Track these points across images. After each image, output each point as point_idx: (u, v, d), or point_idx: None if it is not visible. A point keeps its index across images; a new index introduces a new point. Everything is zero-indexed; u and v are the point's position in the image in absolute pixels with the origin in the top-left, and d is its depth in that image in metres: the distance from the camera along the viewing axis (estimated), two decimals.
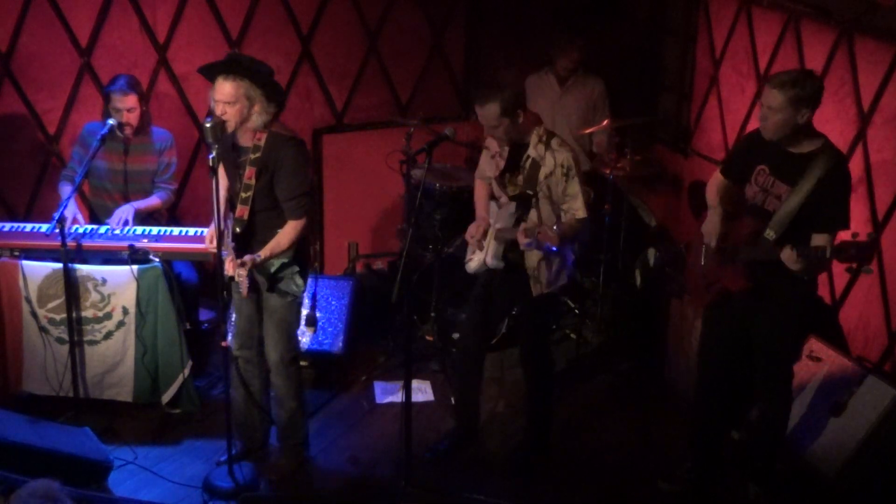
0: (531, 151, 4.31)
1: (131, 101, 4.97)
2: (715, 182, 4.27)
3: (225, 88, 4.03)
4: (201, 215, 5.92)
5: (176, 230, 4.99)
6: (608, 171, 5.73)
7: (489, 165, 4.55)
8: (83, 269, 4.72)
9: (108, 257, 4.79)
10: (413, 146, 5.19)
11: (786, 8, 5.17)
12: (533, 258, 4.39)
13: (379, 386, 5.43)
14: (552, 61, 6.18)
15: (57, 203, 4.73)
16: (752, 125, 4.33)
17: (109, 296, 4.76)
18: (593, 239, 5.73)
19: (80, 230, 4.85)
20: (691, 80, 6.31)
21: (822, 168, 3.80)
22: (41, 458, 4.00)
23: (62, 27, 5.49)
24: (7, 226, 4.95)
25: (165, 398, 4.92)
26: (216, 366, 5.26)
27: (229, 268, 4.13)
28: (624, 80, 6.55)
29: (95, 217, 5.20)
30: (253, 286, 4.26)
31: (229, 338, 4.50)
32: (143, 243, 4.79)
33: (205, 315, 5.54)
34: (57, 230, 4.45)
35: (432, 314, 5.76)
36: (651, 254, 5.81)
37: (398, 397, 5.14)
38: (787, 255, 3.73)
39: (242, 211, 4.20)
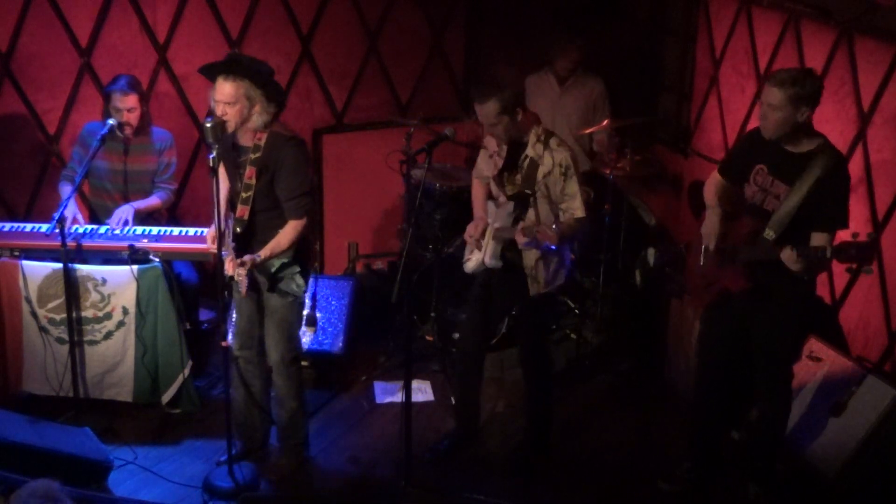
0: (529, 151, 4.31)
1: (132, 100, 4.97)
2: (713, 182, 4.27)
3: (225, 89, 4.03)
4: (201, 215, 5.92)
5: (176, 230, 4.99)
6: (608, 171, 5.73)
7: (487, 165, 4.55)
8: (83, 269, 4.72)
9: (108, 257, 4.79)
10: (413, 146, 5.19)
11: (786, 8, 5.17)
12: (530, 257, 4.39)
13: (379, 386, 5.43)
14: (552, 61, 6.19)
15: (57, 203, 4.73)
16: (752, 125, 4.33)
17: (109, 296, 4.76)
18: (593, 239, 5.73)
19: (80, 230, 4.85)
20: (691, 80, 6.31)
21: (822, 167, 3.80)
22: (41, 458, 4.00)
23: (62, 27, 5.49)
24: (7, 226, 4.95)
25: (165, 398, 4.92)
26: (216, 366, 5.26)
27: (229, 267, 4.13)
28: (624, 80, 6.55)
29: (95, 217, 5.19)
30: (254, 286, 4.27)
31: (230, 338, 4.50)
32: (143, 243, 4.79)
33: (205, 315, 5.53)
34: (57, 230, 4.45)
35: (432, 314, 5.76)
36: (651, 253, 5.80)
37: (398, 397, 5.14)
38: (788, 256, 3.73)
39: (243, 211, 4.20)
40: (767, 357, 4.17)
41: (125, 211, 4.99)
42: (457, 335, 5.38)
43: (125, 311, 4.78)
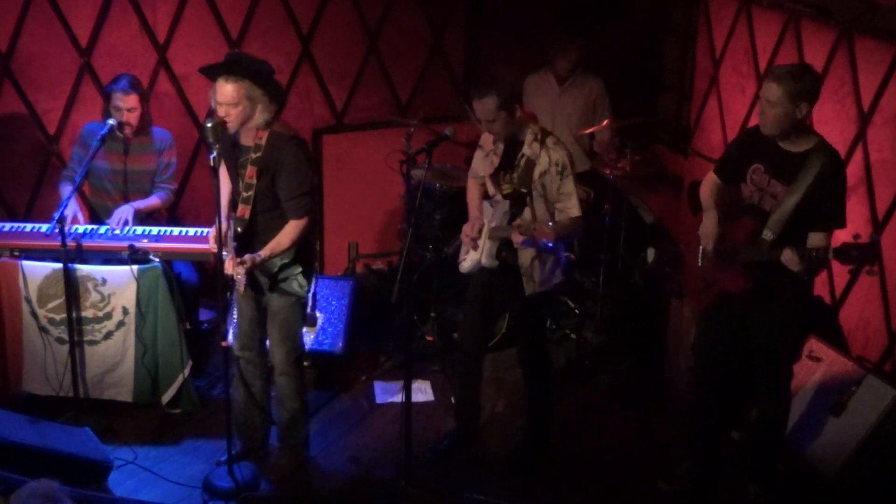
0: (526, 150, 4.31)
1: (132, 100, 4.96)
2: (709, 183, 4.27)
3: (227, 90, 4.02)
4: (201, 215, 5.93)
5: (176, 230, 4.99)
6: (608, 171, 5.73)
7: (483, 164, 4.55)
8: (83, 269, 4.72)
9: (108, 257, 4.79)
10: (413, 146, 5.19)
11: (786, 8, 5.17)
12: (526, 257, 4.38)
13: (379, 386, 5.43)
14: (551, 61, 6.19)
15: (57, 203, 4.73)
16: (752, 125, 4.33)
17: (109, 296, 4.76)
18: (593, 239, 5.73)
19: (80, 230, 4.85)
20: (691, 80, 6.31)
21: (819, 166, 3.80)
22: (41, 458, 4.00)
23: (62, 27, 5.49)
24: (7, 226, 4.95)
25: (165, 398, 4.92)
26: (216, 366, 5.26)
27: (229, 266, 4.13)
28: (624, 80, 6.55)
29: (96, 217, 5.19)
30: (255, 286, 4.27)
31: (230, 338, 4.50)
32: (143, 243, 4.79)
33: (205, 315, 5.53)
34: (57, 230, 4.45)
35: (432, 314, 5.76)
36: (650, 253, 5.81)
37: (398, 397, 5.14)
38: (789, 257, 3.74)
39: (244, 210, 4.20)
40: (767, 357, 4.17)
41: (125, 211, 4.99)
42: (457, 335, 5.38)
43: (125, 311, 4.78)
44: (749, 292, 4.06)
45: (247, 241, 4.25)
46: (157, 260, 4.76)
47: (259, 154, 4.14)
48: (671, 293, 5.28)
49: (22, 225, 4.97)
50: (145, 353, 4.83)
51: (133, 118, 4.99)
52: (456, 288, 5.62)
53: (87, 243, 4.74)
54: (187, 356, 4.87)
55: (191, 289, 5.14)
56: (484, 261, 4.46)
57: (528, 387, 4.74)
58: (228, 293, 4.53)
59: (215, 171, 4.00)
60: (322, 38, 6.27)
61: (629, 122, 6.01)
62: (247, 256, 4.10)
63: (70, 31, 5.52)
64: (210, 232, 4.68)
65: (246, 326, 4.49)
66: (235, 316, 4.56)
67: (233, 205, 4.31)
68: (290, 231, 4.20)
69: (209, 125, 3.97)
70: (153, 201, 5.15)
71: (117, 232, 4.89)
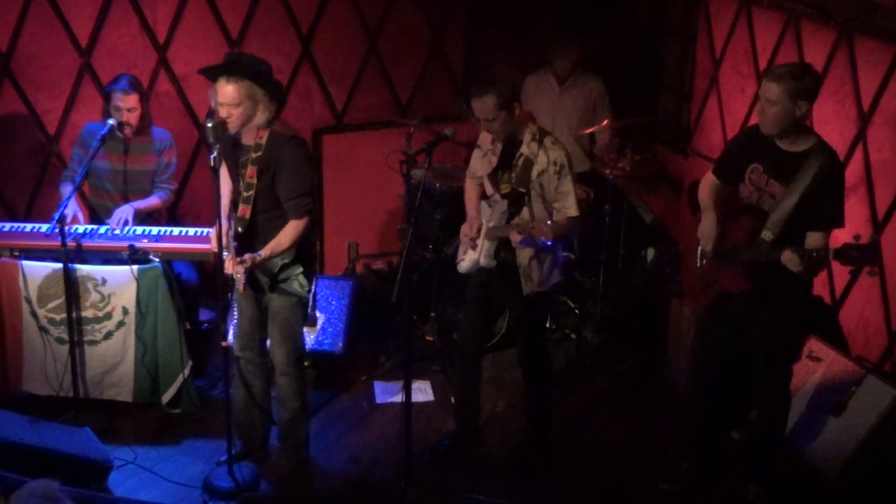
0: (524, 149, 4.31)
1: (132, 100, 4.96)
2: (707, 183, 4.27)
3: (227, 91, 4.02)
4: (201, 215, 5.93)
5: (176, 230, 4.98)
6: (608, 171, 5.73)
7: (480, 164, 4.55)
8: (83, 269, 4.71)
9: (108, 257, 4.79)
10: (413, 146, 5.18)
11: (786, 8, 5.17)
12: (524, 256, 4.38)
13: (379, 386, 5.43)
14: (551, 61, 6.19)
15: (57, 203, 4.73)
16: (752, 124, 4.33)
17: (109, 296, 4.76)
18: (593, 239, 5.73)
19: (80, 230, 4.85)
20: (691, 80, 6.31)
21: (817, 166, 3.80)
22: (41, 458, 4.00)
23: (62, 27, 5.49)
24: (7, 226, 4.95)
25: (165, 398, 4.92)
26: (216, 366, 5.25)
27: (229, 266, 4.13)
28: (624, 80, 6.55)
29: (96, 217, 5.19)
30: (256, 286, 4.27)
31: (230, 338, 4.50)
32: (143, 243, 4.79)
33: (205, 315, 5.53)
34: (57, 230, 4.45)
35: (432, 314, 5.76)
36: (650, 253, 5.82)
37: (398, 397, 5.14)
38: (789, 258, 3.74)
39: (244, 210, 4.20)
40: (767, 357, 4.17)
41: (125, 211, 4.99)
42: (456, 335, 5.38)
43: (125, 311, 4.78)
44: (749, 292, 4.06)
45: (247, 241, 4.25)
46: (157, 260, 4.76)
47: (259, 154, 4.14)
48: (671, 293, 5.28)
49: (22, 225, 4.97)
50: (145, 353, 4.83)
51: (133, 118, 4.99)
52: (456, 288, 5.62)
53: (87, 243, 4.74)
54: (187, 356, 4.87)
55: (191, 289, 5.14)
56: (482, 261, 4.46)
57: (527, 387, 4.74)
58: (229, 293, 4.53)
59: (216, 171, 4.00)
60: (322, 38, 6.27)
61: (629, 122, 6.02)
62: (247, 256, 4.10)
63: (70, 31, 5.52)
64: (211, 232, 4.69)
65: (246, 326, 4.49)
66: (236, 316, 4.56)
67: (233, 204, 4.31)
68: (290, 231, 4.20)
69: (210, 125, 3.97)
70: (153, 201, 5.15)
71: (117, 232, 4.89)
